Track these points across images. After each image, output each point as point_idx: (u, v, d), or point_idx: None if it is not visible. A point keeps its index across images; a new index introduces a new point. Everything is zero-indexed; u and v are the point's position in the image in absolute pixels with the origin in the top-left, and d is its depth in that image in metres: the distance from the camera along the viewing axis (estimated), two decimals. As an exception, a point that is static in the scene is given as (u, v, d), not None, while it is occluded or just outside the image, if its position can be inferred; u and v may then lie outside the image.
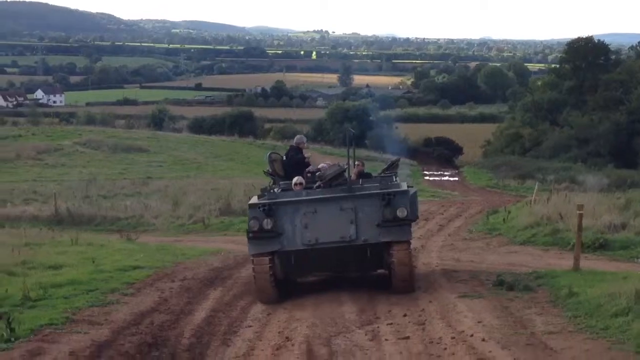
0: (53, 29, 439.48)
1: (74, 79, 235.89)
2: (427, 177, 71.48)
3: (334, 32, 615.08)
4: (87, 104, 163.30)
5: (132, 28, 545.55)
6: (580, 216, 15.52)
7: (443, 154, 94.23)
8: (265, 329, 12.98)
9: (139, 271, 17.69)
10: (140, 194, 42.47)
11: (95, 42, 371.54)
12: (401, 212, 14.59)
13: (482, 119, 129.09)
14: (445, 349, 10.51)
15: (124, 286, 15.57)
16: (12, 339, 10.72)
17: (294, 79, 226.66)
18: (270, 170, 17.04)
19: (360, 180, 16.09)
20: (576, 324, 11.34)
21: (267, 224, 14.76)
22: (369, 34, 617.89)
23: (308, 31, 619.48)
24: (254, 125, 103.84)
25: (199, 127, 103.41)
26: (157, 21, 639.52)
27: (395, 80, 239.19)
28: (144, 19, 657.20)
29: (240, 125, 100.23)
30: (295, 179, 15.80)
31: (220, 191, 39.46)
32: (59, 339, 11.15)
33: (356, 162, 17.13)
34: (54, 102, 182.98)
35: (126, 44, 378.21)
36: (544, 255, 19.60)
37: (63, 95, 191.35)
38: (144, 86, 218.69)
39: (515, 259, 18.77)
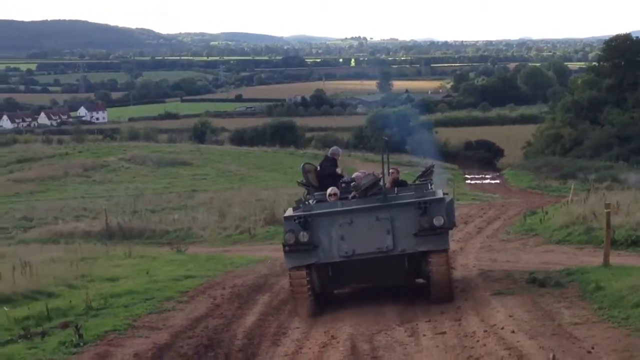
0: (93, 46, 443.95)
1: (115, 95, 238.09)
2: (468, 181, 71.91)
3: (372, 39, 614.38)
4: (130, 120, 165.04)
5: (171, 42, 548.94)
6: (608, 214, 16.28)
7: (484, 157, 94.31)
8: (312, 329, 13.86)
9: (191, 280, 18.71)
10: (187, 207, 43.43)
11: (136, 58, 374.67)
12: (438, 221, 14.42)
13: (523, 120, 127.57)
14: (478, 341, 11.38)
15: (178, 294, 16.59)
16: (81, 344, 11.85)
17: (334, 86, 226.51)
18: (304, 181, 17.01)
19: (396, 189, 15.68)
20: (600, 315, 12.20)
21: (304, 236, 14.61)
22: (407, 38, 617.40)
23: (346, 38, 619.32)
24: (295, 135, 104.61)
25: (240, 138, 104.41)
26: (195, 34, 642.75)
27: (435, 84, 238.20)
28: (182, 32, 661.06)
29: (282, 135, 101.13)
30: (329, 190, 15.60)
31: (264, 202, 40.34)
32: (123, 342, 12.27)
33: (391, 170, 16.98)
34: (97, 118, 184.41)
35: (166, 58, 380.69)
36: (578, 253, 20.23)
37: (106, 111, 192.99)
38: (185, 99, 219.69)
39: (550, 258, 19.48)
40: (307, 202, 15.45)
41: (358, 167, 78.71)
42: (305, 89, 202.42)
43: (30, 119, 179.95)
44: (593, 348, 9.98)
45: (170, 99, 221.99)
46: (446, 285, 14.81)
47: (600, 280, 13.96)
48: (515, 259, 19.89)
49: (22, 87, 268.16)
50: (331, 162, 17.14)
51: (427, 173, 17.23)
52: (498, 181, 72.41)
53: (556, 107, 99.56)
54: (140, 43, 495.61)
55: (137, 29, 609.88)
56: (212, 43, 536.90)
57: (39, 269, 19.43)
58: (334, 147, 17.83)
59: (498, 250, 22.19)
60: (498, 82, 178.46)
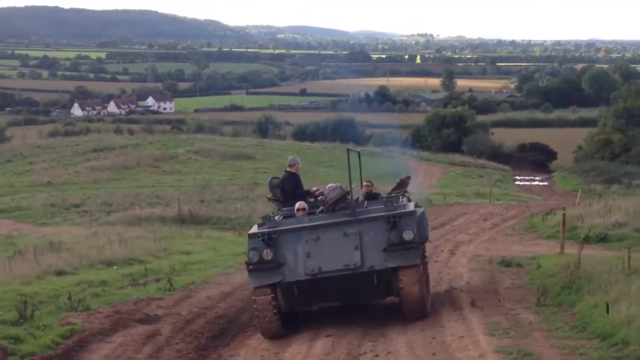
0: (162, 36, 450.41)
1: (182, 85, 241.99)
2: (517, 182, 74.91)
3: (438, 36, 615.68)
4: (196, 111, 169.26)
5: (239, 34, 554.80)
6: (564, 216, 21.09)
7: (537, 159, 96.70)
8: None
9: (248, 255, 24.05)
10: (248, 198, 47.99)
11: (203, 49, 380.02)
12: (407, 235, 13.92)
13: (582, 123, 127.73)
14: (440, 293, 16.62)
15: (238, 264, 21.86)
16: (172, 290, 17.62)
17: (398, 83, 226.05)
18: (272, 196, 16.60)
19: (366, 203, 15.57)
20: (527, 283, 17.26)
21: (267, 254, 14.08)
22: (474, 36, 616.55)
23: (412, 35, 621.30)
24: (356, 131, 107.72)
25: (302, 133, 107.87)
26: (262, 27, 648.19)
27: (499, 84, 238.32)
28: (250, 25, 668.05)
29: (343, 131, 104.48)
30: (297, 205, 15.18)
31: (319, 195, 45.15)
32: (199, 290, 17.96)
33: (364, 183, 16.61)
34: (164, 108, 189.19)
35: (233, 50, 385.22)
36: (557, 245, 23.84)
37: (173, 102, 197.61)
38: (250, 92, 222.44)
39: (533, 249, 23.82)
40: (272, 218, 15.06)
41: (413, 166, 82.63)
42: (369, 85, 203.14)
43: (100, 107, 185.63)
44: (503, 299, 15.20)
45: (236, 91, 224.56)
46: (418, 303, 14.36)
47: (542, 262, 18.90)
48: (506, 248, 24.38)
49: (91, 76, 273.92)
50: (289, 176, 16.45)
51: (401, 185, 16.85)
52: (546, 183, 75.09)
53: (608, 113, 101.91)
54: (207, 34, 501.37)
55: (205, 20, 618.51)
56: (278, 36, 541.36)
57: (130, 243, 24.99)
58: (290, 158, 16.87)
59: (498, 242, 26.63)
60: (562, 83, 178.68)
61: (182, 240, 28.24)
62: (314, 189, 16.48)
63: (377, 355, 12.48)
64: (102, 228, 33.83)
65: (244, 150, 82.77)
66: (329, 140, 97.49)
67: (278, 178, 16.60)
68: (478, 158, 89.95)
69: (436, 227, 31.03)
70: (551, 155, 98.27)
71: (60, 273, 20.18)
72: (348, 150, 15.24)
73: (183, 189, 55.15)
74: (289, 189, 16.05)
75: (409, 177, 17.45)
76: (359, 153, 15.50)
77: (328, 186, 15.37)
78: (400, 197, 15.89)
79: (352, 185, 14.94)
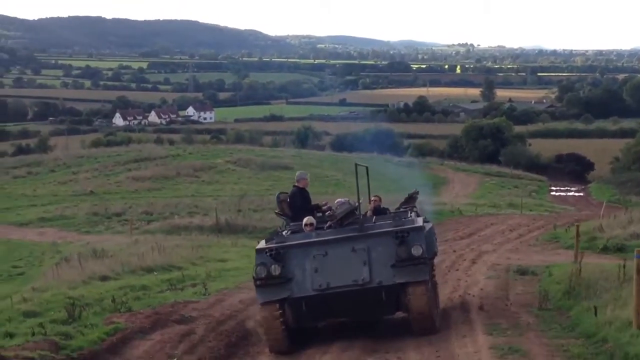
0: (203, 46, 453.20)
1: (222, 95, 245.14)
2: (553, 193, 75.48)
3: (479, 45, 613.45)
4: (236, 120, 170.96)
5: (279, 44, 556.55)
6: (577, 227, 22.13)
7: (574, 170, 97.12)
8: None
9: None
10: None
11: (243, 59, 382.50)
12: (416, 250, 13.91)
13: (622, 133, 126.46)
14: (454, 298, 17.87)
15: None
16: (207, 295, 19.09)
17: (437, 93, 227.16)
18: (279, 211, 16.52)
19: (374, 218, 15.53)
20: (536, 289, 18.34)
21: (275, 269, 14.04)
22: (515, 46, 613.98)
23: (453, 44, 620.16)
24: (394, 141, 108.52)
25: (340, 144, 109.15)
26: (303, 37, 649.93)
27: (539, 94, 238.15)
28: (290, 34, 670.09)
29: (381, 142, 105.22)
30: (305, 220, 15.04)
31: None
32: (232, 295, 19.42)
33: (372, 198, 16.60)
34: (205, 118, 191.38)
35: (273, 60, 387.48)
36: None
37: (213, 111, 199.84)
38: (290, 102, 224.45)
39: (552, 258, 24.79)
40: (280, 233, 15.15)
41: (449, 176, 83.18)
42: (409, 95, 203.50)
43: (141, 117, 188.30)
44: (510, 304, 16.44)
45: (276, 100, 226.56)
46: (427, 318, 14.34)
47: (554, 271, 20.03)
48: (526, 257, 25.35)
49: (133, 85, 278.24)
50: (298, 192, 16.29)
51: (410, 200, 16.92)
52: (582, 194, 75.49)
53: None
54: (248, 44, 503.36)
55: (245, 30, 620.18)
56: (318, 46, 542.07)
57: (169, 251, 26.51)
58: (299, 172, 16.91)
59: (520, 252, 27.57)
60: (603, 93, 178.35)
61: (219, 248, 29.84)
62: (323, 203, 16.46)
63: (387, 352, 13.75)
64: (143, 236, 35.42)
65: (282, 161, 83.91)
66: (367, 150, 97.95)
67: (286, 193, 16.57)
68: (515, 169, 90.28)
69: (463, 237, 32.17)
70: (588, 166, 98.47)
71: (104, 278, 21.97)
72: (356, 165, 15.11)
73: (221, 199, 56.34)
74: (297, 204, 15.97)
75: (417, 191, 17.42)
76: (367, 168, 15.53)
77: (336, 201, 15.30)
78: (409, 212, 15.91)
79: (360, 200, 15.06)
